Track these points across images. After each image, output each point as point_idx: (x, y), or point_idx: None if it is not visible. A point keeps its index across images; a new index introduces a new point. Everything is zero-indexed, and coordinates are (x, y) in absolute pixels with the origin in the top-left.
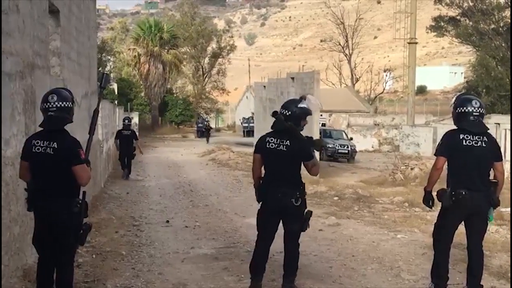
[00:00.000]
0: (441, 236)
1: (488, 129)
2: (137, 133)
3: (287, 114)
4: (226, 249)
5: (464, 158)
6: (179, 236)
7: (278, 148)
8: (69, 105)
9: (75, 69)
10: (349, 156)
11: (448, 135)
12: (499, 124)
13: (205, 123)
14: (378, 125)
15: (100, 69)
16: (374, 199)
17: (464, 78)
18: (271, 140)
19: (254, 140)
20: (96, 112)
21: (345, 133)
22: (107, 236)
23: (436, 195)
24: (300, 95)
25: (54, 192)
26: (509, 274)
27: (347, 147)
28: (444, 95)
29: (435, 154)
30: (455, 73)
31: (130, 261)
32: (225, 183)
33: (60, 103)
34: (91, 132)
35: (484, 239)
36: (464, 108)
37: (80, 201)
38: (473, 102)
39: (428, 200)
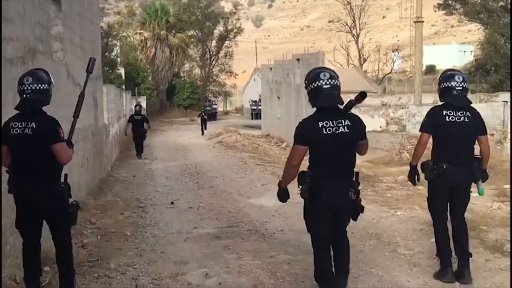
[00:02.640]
0: (434, 208)
1: (471, 102)
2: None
3: (335, 83)
4: (228, 228)
5: (447, 134)
6: (183, 216)
7: (338, 132)
8: (45, 87)
9: (78, 53)
10: None
11: (432, 111)
12: (506, 102)
13: (207, 108)
14: (386, 105)
15: (106, 53)
16: (378, 178)
17: (474, 56)
18: (326, 124)
19: (261, 122)
20: (81, 95)
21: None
22: (113, 218)
23: (420, 166)
24: None
25: (36, 175)
26: (504, 248)
27: None
28: None
29: (420, 130)
30: (465, 51)
31: (134, 241)
32: (231, 165)
33: (36, 85)
34: (75, 116)
35: (484, 215)
36: (448, 83)
37: (62, 185)
38: (456, 77)
39: (413, 175)
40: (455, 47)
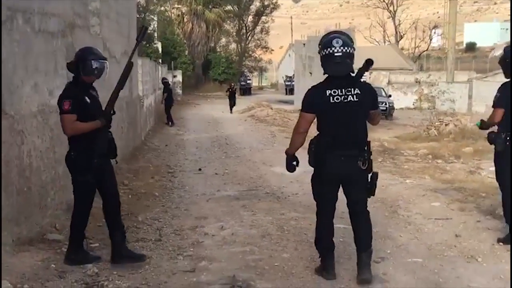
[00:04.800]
0: (503, 177)
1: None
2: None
3: (349, 51)
4: (247, 191)
5: None
6: (208, 181)
7: (346, 100)
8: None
9: (114, 28)
10: (387, 112)
11: (504, 86)
12: None
13: (242, 83)
14: (420, 82)
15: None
16: (399, 152)
17: None
18: (334, 92)
19: (294, 98)
20: (128, 64)
21: (384, 90)
22: (143, 181)
23: (488, 138)
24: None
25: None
26: (496, 212)
27: (385, 104)
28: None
29: (493, 106)
30: (507, 29)
31: (161, 201)
32: (259, 137)
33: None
34: (119, 84)
35: (487, 184)
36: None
37: (72, 154)
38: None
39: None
40: (496, 25)
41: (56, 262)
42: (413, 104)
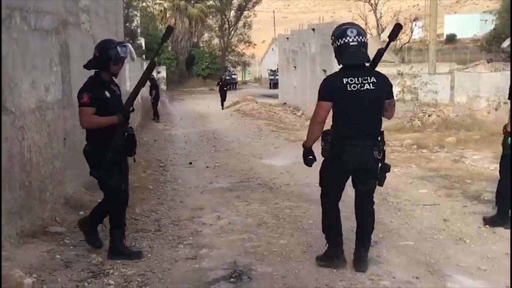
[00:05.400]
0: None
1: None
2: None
3: (363, 40)
4: (240, 183)
5: None
6: (200, 174)
7: (363, 89)
8: (95, 54)
9: (103, 24)
10: None
11: None
12: None
13: (227, 77)
14: (402, 74)
15: (127, 24)
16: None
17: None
18: (351, 80)
19: (278, 92)
20: (151, 62)
21: None
22: (136, 175)
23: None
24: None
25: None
26: (481, 197)
27: None
28: (474, 43)
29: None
30: (486, 20)
31: (155, 193)
32: (246, 131)
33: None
34: (141, 81)
35: (473, 171)
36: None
37: (87, 147)
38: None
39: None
40: (476, 16)
41: (60, 253)
42: (396, 96)
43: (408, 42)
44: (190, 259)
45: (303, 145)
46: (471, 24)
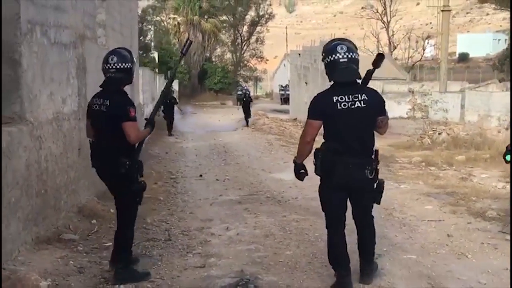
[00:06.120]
0: None
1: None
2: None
3: (354, 57)
4: (249, 196)
5: None
6: (210, 187)
7: (353, 107)
8: (128, 66)
9: (119, 39)
10: None
11: None
12: None
13: (245, 91)
14: (413, 92)
15: (141, 38)
16: (394, 159)
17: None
18: (341, 98)
19: (289, 107)
20: (172, 75)
21: None
22: (147, 187)
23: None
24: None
25: (108, 149)
26: (486, 214)
27: None
28: (486, 62)
29: None
30: (499, 40)
31: (166, 204)
32: (257, 145)
33: (119, 64)
34: (164, 94)
35: (479, 189)
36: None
37: (127, 163)
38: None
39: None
40: (489, 35)
41: (74, 259)
42: (407, 114)
43: (420, 60)
44: (199, 268)
45: (294, 161)
46: (484, 43)
